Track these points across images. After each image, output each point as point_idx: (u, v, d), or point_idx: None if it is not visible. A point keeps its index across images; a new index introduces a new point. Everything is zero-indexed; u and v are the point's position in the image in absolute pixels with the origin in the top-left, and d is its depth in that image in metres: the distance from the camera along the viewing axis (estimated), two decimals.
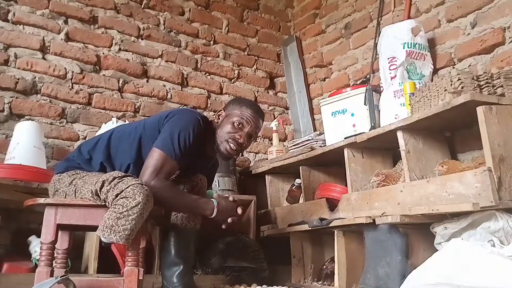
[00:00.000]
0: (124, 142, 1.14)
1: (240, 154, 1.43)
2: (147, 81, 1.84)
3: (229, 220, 1.15)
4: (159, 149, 1.08)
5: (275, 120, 2.00)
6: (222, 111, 1.24)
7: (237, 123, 1.18)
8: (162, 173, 1.07)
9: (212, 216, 1.13)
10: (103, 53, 1.76)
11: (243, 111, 1.20)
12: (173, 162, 1.09)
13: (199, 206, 1.14)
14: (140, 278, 1.01)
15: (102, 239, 0.98)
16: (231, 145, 1.18)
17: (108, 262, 1.32)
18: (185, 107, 1.89)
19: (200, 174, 1.27)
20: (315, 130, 1.99)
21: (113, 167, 1.11)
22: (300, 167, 1.59)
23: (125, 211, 0.95)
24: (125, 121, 1.65)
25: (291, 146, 1.75)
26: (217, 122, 1.22)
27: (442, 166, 1.15)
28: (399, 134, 1.23)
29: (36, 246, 1.32)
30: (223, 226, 1.16)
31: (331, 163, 1.58)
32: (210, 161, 1.32)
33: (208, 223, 1.17)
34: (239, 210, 1.18)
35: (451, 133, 1.37)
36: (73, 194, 1.06)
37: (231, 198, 1.18)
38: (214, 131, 1.21)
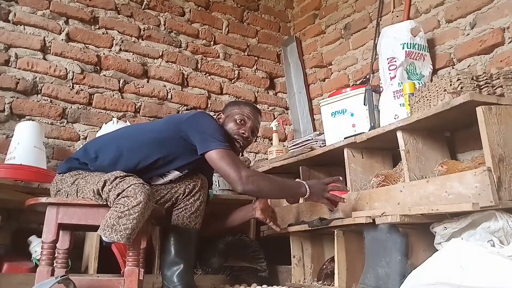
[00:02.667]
0: (137, 143, 1.16)
1: (243, 151, 1.46)
2: (148, 82, 1.85)
3: (327, 196, 1.20)
4: (214, 150, 1.12)
5: (275, 120, 2.00)
6: (221, 113, 1.30)
7: (239, 119, 1.25)
8: (239, 163, 1.12)
9: (307, 196, 1.18)
10: (104, 54, 1.76)
11: (242, 109, 1.27)
12: (230, 151, 1.14)
13: (293, 188, 1.20)
14: (141, 278, 1.01)
15: (103, 238, 0.98)
16: (238, 141, 1.24)
17: (108, 262, 1.32)
18: (193, 110, 1.90)
19: (201, 174, 1.27)
20: (315, 130, 1.99)
21: (122, 166, 1.11)
22: (300, 167, 1.59)
23: (127, 210, 0.96)
24: (126, 121, 1.65)
25: (291, 146, 1.75)
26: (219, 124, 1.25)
27: (442, 166, 1.15)
28: (399, 134, 1.24)
29: (36, 246, 1.32)
30: (331, 208, 1.22)
31: (331, 163, 1.58)
32: None
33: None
34: (331, 183, 1.21)
35: (451, 133, 1.38)
36: (75, 194, 1.07)
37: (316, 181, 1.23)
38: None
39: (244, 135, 1.24)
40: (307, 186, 1.18)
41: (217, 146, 1.12)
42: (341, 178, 1.26)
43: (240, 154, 1.59)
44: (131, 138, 1.18)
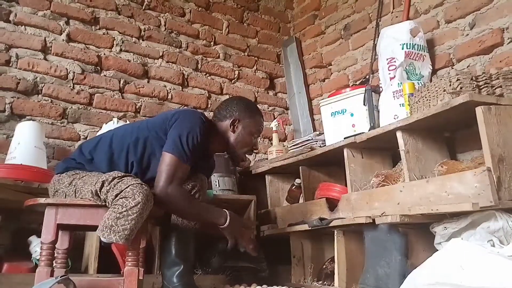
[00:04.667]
0: (127, 142, 1.15)
1: None
2: (148, 82, 1.85)
3: (240, 239, 1.18)
4: (170, 153, 1.10)
5: (275, 120, 2.00)
6: (237, 121, 1.25)
7: (256, 135, 1.28)
8: (176, 178, 1.09)
9: (224, 226, 1.15)
10: (104, 54, 1.77)
11: (257, 121, 1.29)
12: (185, 165, 1.11)
13: (212, 215, 1.16)
14: (140, 278, 1.01)
15: (102, 239, 0.98)
16: (249, 154, 1.29)
17: (108, 262, 1.32)
18: (185, 107, 1.90)
19: (201, 174, 1.27)
20: (314, 130, 1.99)
21: (117, 166, 1.11)
22: (300, 167, 1.59)
23: (125, 211, 0.96)
24: (126, 121, 1.65)
25: (291, 146, 1.75)
26: (233, 132, 1.24)
27: (441, 167, 1.15)
28: (399, 134, 1.24)
29: (36, 246, 1.33)
30: (229, 245, 1.18)
31: (331, 163, 1.58)
32: (209, 161, 1.33)
33: (216, 232, 1.19)
34: (249, 238, 1.20)
35: (451, 133, 1.38)
36: (73, 195, 1.06)
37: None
38: (215, 131, 1.24)
39: (255, 149, 1.30)
40: (228, 219, 1.14)
41: (174, 151, 1.09)
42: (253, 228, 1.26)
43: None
44: (123, 138, 1.16)
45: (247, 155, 1.29)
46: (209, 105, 1.97)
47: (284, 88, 2.22)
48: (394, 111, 1.43)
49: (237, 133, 1.24)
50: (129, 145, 1.14)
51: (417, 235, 1.17)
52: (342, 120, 1.56)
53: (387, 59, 1.49)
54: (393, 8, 1.75)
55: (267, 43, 2.22)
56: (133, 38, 1.84)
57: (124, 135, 1.17)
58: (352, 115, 1.54)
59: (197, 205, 1.17)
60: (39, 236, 1.21)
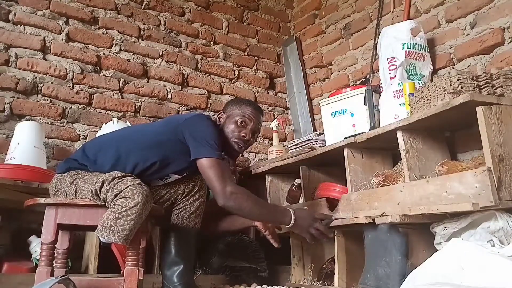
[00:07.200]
0: (133, 145, 1.15)
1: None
2: (148, 81, 1.85)
3: (312, 231, 1.18)
4: (206, 158, 1.10)
5: (275, 120, 2.00)
6: (222, 113, 1.28)
7: (239, 121, 1.23)
8: (226, 177, 1.10)
9: (290, 225, 1.15)
10: (104, 54, 1.76)
11: (243, 110, 1.24)
12: (222, 162, 1.13)
13: (277, 214, 1.18)
14: (140, 278, 1.01)
15: (101, 239, 0.99)
16: (238, 143, 1.22)
17: (108, 262, 1.32)
18: (186, 108, 1.90)
19: (201, 175, 1.27)
20: (315, 130, 1.99)
21: (122, 168, 1.10)
22: (300, 167, 1.59)
23: (124, 211, 0.96)
24: (126, 121, 1.65)
25: (291, 146, 1.75)
26: (219, 124, 1.24)
27: (442, 167, 1.15)
28: (399, 134, 1.24)
29: (36, 246, 1.33)
30: (310, 241, 1.20)
31: (331, 163, 1.58)
32: None
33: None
34: (320, 227, 1.19)
35: (451, 133, 1.38)
36: (74, 194, 1.07)
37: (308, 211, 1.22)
38: (221, 131, 1.24)
39: (245, 138, 1.23)
40: (293, 217, 1.16)
41: (208, 154, 1.10)
42: (333, 218, 1.26)
43: (240, 154, 1.59)
44: (130, 140, 1.17)
45: (238, 146, 1.21)
46: (208, 105, 1.97)
47: (284, 88, 2.21)
48: (394, 111, 1.43)
49: (222, 123, 1.25)
50: (138, 148, 1.14)
51: (417, 235, 1.17)
52: (342, 120, 1.56)
53: (387, 59, 1.49)
54: (394, 8, 1.75)
55: (267, 42, 2.22)
56: (133, 37, 1.84)
57: (131, 137, 1.18)
58: (352, 115, 1.54)
59: (261, 203, 1.18)
60: (39, 236, 1.22)
